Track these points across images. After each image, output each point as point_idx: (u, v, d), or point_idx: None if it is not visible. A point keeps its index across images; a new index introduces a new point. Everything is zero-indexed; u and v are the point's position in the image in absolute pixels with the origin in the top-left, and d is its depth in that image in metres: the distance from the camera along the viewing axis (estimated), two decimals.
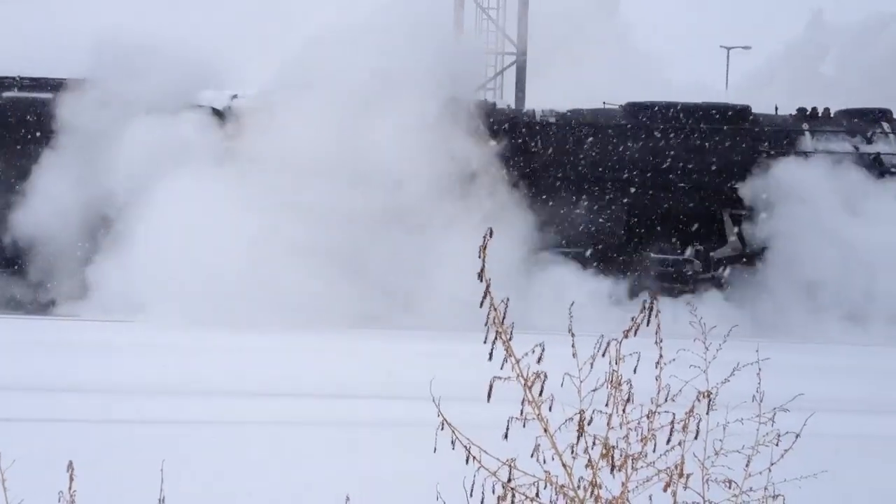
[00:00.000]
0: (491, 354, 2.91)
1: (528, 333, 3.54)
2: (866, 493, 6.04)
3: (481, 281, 3.26)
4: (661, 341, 3.52)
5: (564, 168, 17.22)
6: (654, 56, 22.64)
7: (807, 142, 17.43)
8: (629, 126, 17.36)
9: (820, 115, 17.87)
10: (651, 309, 3.26)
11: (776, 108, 17.91)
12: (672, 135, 17.30)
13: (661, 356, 3.53)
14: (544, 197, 16.98)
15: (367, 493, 4.86)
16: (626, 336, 3.27)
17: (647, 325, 3.18)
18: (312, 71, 15.81)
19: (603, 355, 3.17)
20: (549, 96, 18.96)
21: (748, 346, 4.24)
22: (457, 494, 3.15)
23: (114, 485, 5.55)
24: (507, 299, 3.25)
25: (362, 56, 15.54)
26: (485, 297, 3.22)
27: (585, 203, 17.07)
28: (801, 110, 17.87)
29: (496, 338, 3.00)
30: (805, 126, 17.61)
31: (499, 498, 2.76)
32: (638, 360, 3.34)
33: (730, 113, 17.58)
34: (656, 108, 17.44)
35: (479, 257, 3.26)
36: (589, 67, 19.56)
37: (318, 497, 5.42)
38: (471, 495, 2.76)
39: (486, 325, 3.17)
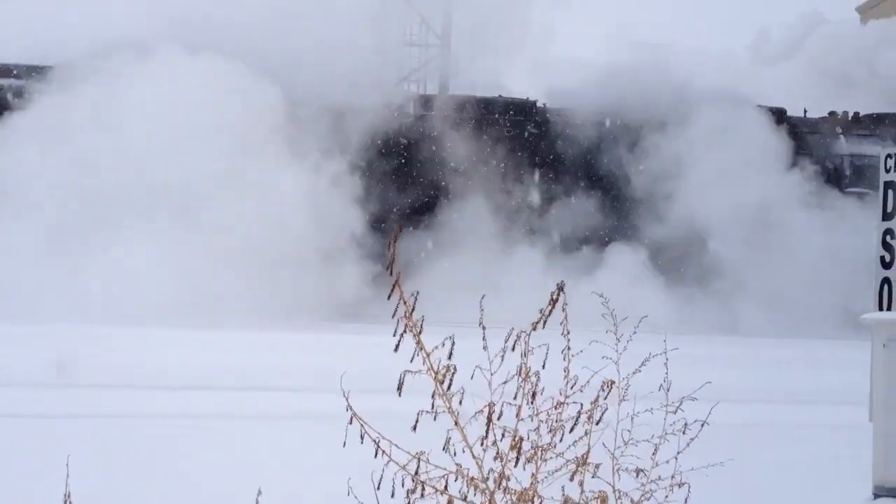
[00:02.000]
0: (397, 347, 2.89)
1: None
2: (768, 480, 6.22)
3: (391, 274, 3.24)
4: (568, 333, 3.56)
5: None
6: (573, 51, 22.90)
7: (841, 145, 17.92)
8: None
9: (850, 118, 18.40)
10: (556, 300, 3.27)
11: (805, 111, 18.34)
12: None
13: (569, 348, 3.56)
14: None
15: (282, 486, 4.82)
16: (534, 328, 3.28)
17: (548, 316, 3.19)
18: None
19: (513, 349, 3.17)
20: (470, 89, 19.08)
21: (660, 338, 4.30)
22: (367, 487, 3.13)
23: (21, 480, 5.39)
24: (417, 292, 3.23)
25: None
26: (393, 289, 3.20)
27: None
28: (832, 114, 18.34)
29: (405, 331, 2.98)
30: (838, 129, 18.10)
31: (408, 491, 2.74)
32: (547, 352, 3.35)
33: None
34: None
35: (388, 250, 3.24)
36: (508, 61, 19.75)
37: (230, 490, 5.34)
38: (378, 489, 2.73)
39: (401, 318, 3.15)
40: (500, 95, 18.24)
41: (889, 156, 5.86)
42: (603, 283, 15.20)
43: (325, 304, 15.12)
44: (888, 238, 5.66)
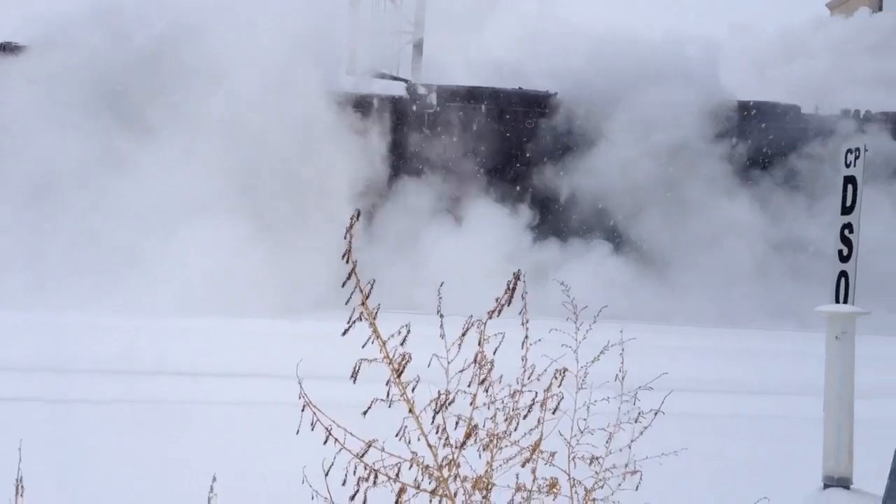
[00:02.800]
0: (346, 332, 2.88)
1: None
2: (721, 469, 6.28)
3: (347, 262, 3.23)
4: (527, 322, 3.57)
5: None
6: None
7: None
8: None
9: (862, 116, 18.81)
10: (514, 289, 3.27)
11: (816, 108, 18.72)
12: None
13: (526, 336, 3.58)
14: None
15: (237, 471, 4.80)
16: (490, 317, 3.28)
17: (509, 304, 3.20)
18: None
19: (464, 336, 3.17)
20: (445, 75, 19.14)
21: (620, 326, 4.33)
22: (330, 474, 3.12)
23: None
24: (373, 280, 3.22)
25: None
26: (349, 277, 3.19)
27: None
28: (845, 111, 18.74)
29: (358, 318, 2.97)
30: (853, 126, 18.51)
31: (359, 479, 2.73)
32: (501, 341, 3.36)
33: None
34: None
35: (345, 238, 3.23)
36: (486, 45, 19.79)
37: (187, 474, 5.32)
38: (326, 475, 2.73)
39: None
40: (519, 88, 18.57)
41: (849, 151, 5.90)
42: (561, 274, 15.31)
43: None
44: (846, 232, 5.70)
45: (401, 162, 17.85)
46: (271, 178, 15.80)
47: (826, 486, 4.87)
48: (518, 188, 18.14)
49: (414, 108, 18.10)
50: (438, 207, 17.41)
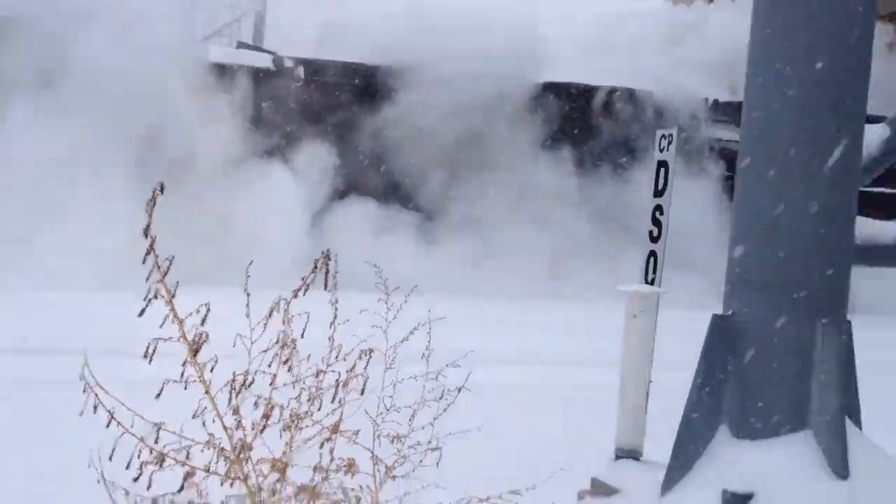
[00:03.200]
0: (142, 312, 2.79)
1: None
2: (524, 441, 6.49)
3: (146, 237, 3.13)
4: (336, 301, 3.58)
5: None
6: None
7: (702, 128, 19.26)
8: None
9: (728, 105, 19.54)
10: (327, 269, 3.27)
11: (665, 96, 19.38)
12: None
13: (335, 315, 3.59)
14: None
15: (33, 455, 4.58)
16: (295, 296, 3.27)
17: (326, 287, 3.19)
18: None
19: (269, 318, 3.15)
20: (290, 46, 18.87)
21: (429, 301, 4.37)
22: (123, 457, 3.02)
23: None
24: (173, 257, 3.14)
25: None
26: (148, 253, 3.09)
27: None
28: (702, 100, 19.54)
29: (154, 296, 2.89)
30: (705, 114, 19.32)
31: (142, 463, 2.67)
32: (308, 320, 3.36)
33: None
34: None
35: (147, 212, 3.13)
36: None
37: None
38: (110, 459, 2.64)
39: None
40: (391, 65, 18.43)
41: (663, 136, 6.13)
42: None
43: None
44: (657, 214, 5.93)
45: (256, 134, 17.63)
46: (141, 150, 15.45)
47: (617, 458, 5.14)
48: (349, 161, 18.15)
49: (290, 82, 17.97)
50: (266, 176, 17.20)
